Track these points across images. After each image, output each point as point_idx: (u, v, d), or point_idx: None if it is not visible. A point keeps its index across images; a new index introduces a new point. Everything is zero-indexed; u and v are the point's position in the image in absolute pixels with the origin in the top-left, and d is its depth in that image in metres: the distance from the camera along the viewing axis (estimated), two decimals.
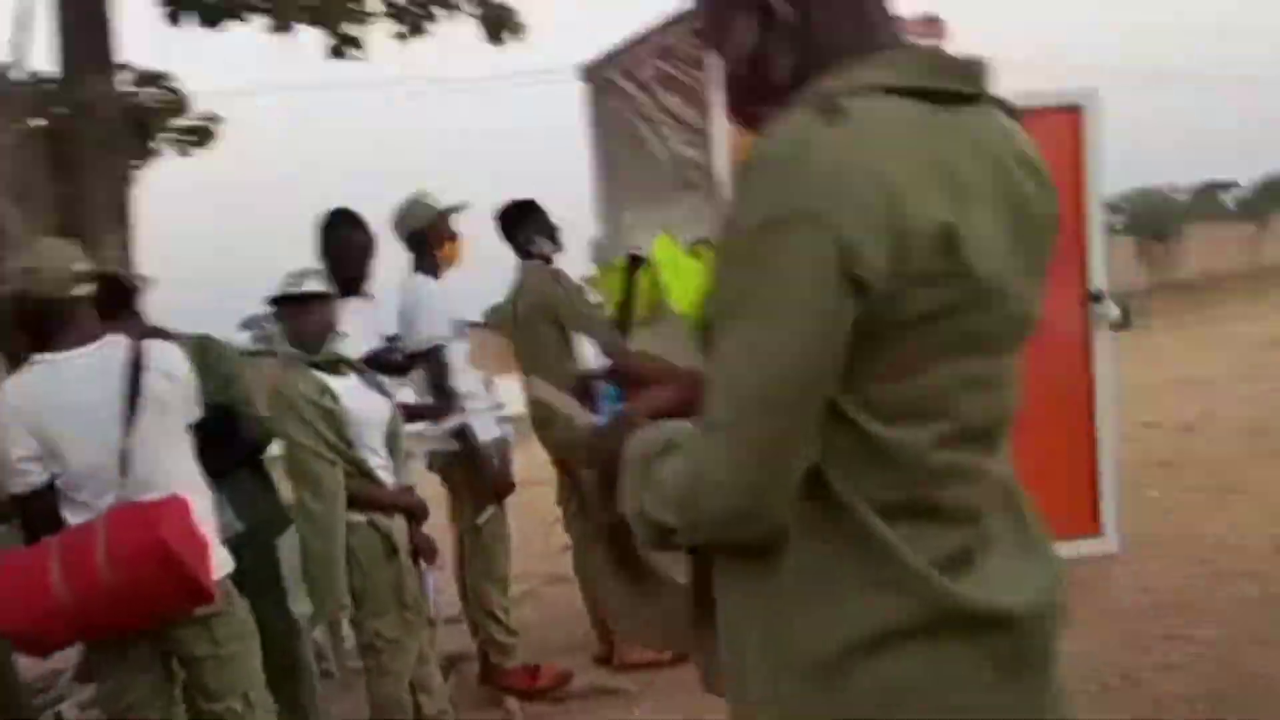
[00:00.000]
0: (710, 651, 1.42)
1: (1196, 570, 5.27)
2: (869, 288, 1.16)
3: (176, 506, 3.03)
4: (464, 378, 4.69)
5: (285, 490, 3.89)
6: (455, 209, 4.81)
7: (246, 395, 3.88)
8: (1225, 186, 57.80)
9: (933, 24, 5.19)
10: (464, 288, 5.21)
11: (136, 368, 3.08)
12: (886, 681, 1.23)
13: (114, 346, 3.11)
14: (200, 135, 8.21)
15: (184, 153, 8.61)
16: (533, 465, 5.88)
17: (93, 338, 3.10)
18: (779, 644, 1.27)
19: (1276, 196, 45.79)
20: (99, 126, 6.05)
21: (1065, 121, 5.52)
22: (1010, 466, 1.38)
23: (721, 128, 4.65)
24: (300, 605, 3.87)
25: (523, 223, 5.06)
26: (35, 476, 3.02)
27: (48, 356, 3.06)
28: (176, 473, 3.14)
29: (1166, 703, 3.89)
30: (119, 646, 3.09)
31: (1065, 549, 4.78)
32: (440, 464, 4.81)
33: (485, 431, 4.72)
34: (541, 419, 4.69)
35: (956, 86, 1.28)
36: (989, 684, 1.26)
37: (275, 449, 3.85)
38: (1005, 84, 1.42)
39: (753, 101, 1.37)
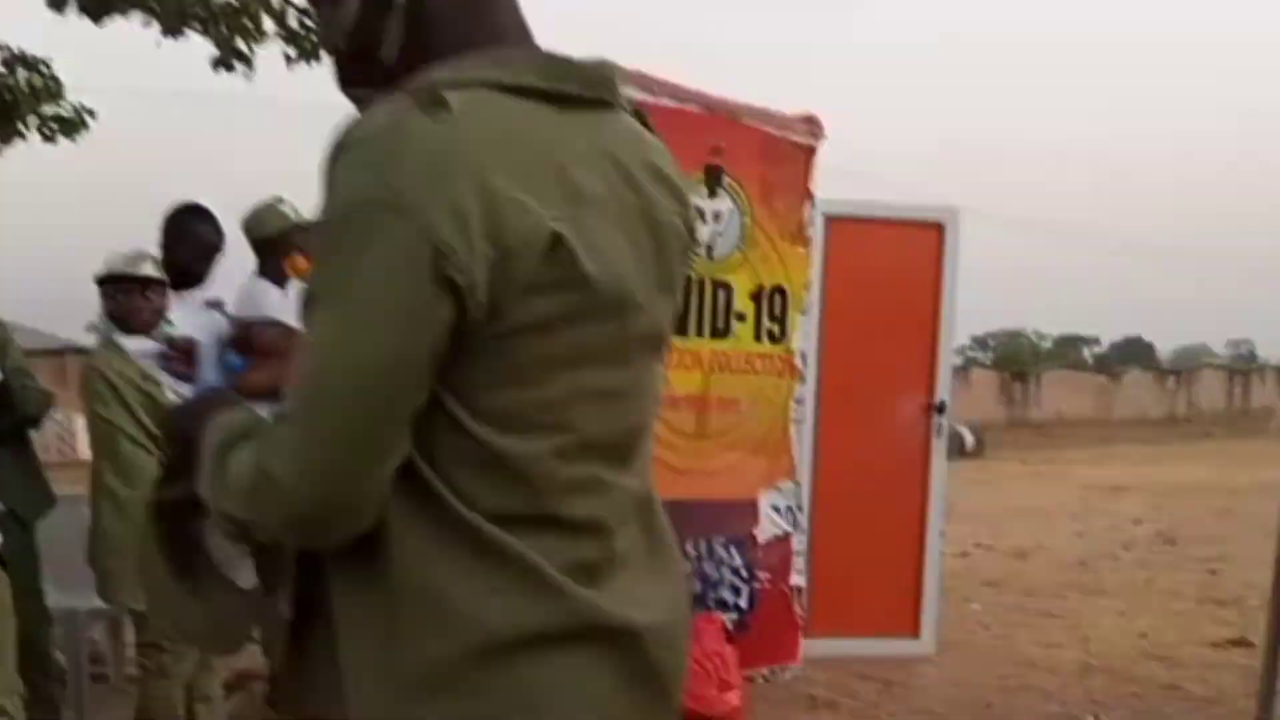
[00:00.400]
0: (292, 661, 1.30)
1: (1004, 682, 5.41)
2: (466, 293, 1.10)
3: None
4: None
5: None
6: (310, 223, 4.76)
7: (19, 366, 3.83)
8: (1086, 341, 60.68)
9: (810, 122, 5.37)
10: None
11: None
12: (509, 690, 1.17)
13: None
14: (69, 126, 8.00)
15: (50, 140, 8.39)
16: None
17: None
18: (394, 653, 1.18)
19: (1130, 356, 48.15)
20: None
21: (926, 236, 5.75)
22: (648, 482, 1.34)
23: None
24: (66, 597, 3.76)
25: None
26: None
27: None
28: None
29: None
30: None
31: (883, 645, 4.89)
32: None
33: None
34: None
35: (578, 90, 1.23)
36: (613, 697, 1.22)
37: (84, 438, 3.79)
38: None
39: (357, 81, 1.29)
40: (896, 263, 5.78)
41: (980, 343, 61.27)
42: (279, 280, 4.66)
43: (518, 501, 1.18)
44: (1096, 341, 66.77)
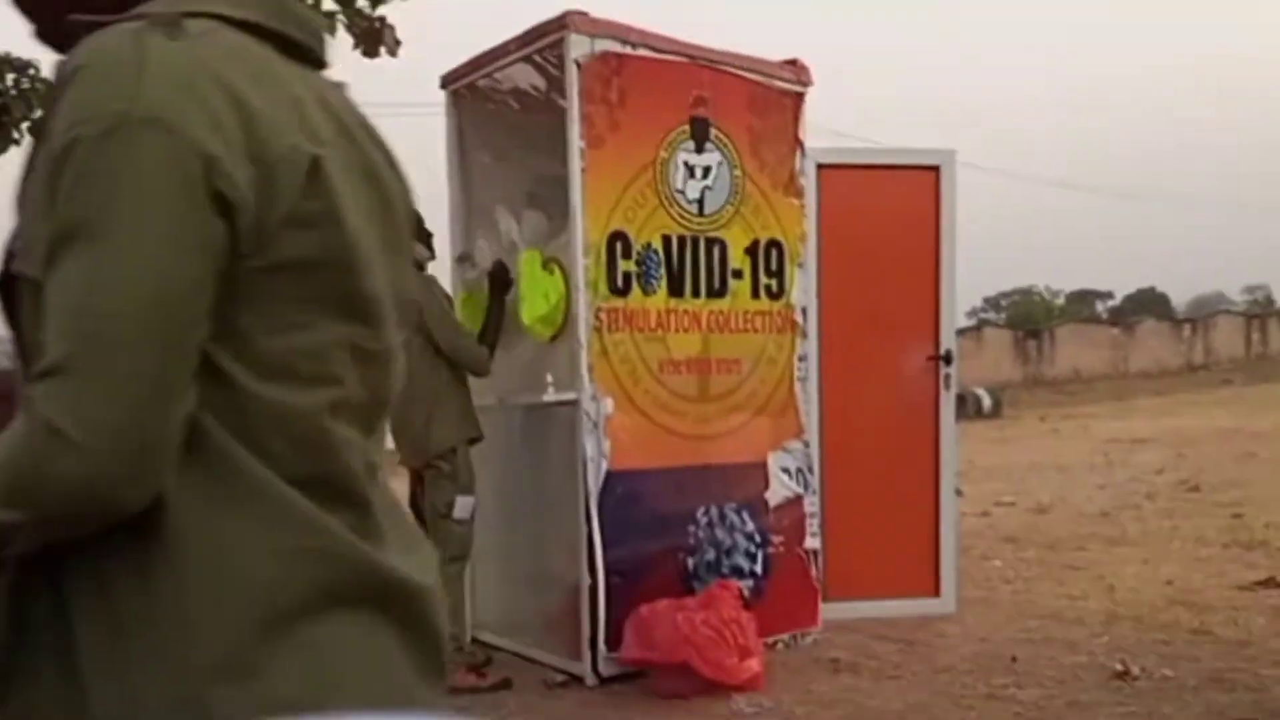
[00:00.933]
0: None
1: (1028, 635, 5.28)
2: (237, 212, 1.01)
3: None
4: None
5: None
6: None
7: None
8: (1099, 295, 60.33)
9: (796, 68, 5.21)
10: None
11: None
12: (310, 656, 1.07)
13: None
14: None
15: None
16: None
17: None
18: (185, 638, 1.03)
19: (1144, 307, 47.83)
20: None
21: (922, 180, 5.59)
22: (381, 458, 1.26)
23: (577, 145, 4.57)
24: None
25: None
26: None
27: None
28: None
29: None
30: None
31: (904, 606, 4.77)
32: None
33: None
34: (397, 428, 4.79)
35: (298, 34, 1.17)
36: (404, 661, 1.16)
37: None
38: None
39: (62, 21, 1.15)
40: (893, 210, 5.63)
41: (992, 303, 61.01)
42: None
43: (290, 459, 1.07)
44: (1110, 296, 66.35)
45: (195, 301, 1.01)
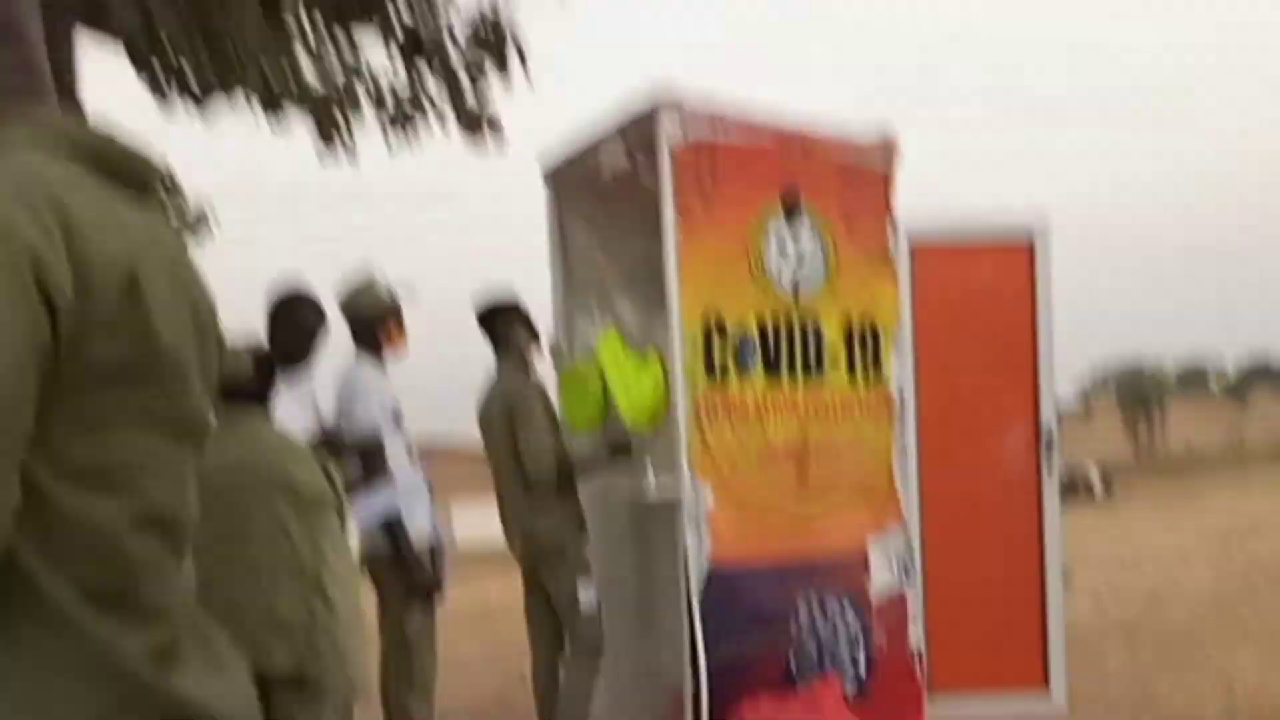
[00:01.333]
0: None
1: None
2: (61, 314, 1.03)
3: None
4: (402, 472, 4.54)
5: None
6: (406, 298, 4.78)
7: None
8: (1210, 368, 58.53)
9: (887, 148, 5.13)
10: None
11: None
12: None
13: None
14: (192, 228, 8.19)
15: None
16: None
17: None
18: None
19: (1258, 379, 46.21)
20: None
21: (1016, 254, 5.46)
22: (193, 579, 1.25)
23: (673, 228, 4.55)
24: None
25: (504, 319, 5.00)
26: None
27: None
28: None
29: None
30: None
31: (1014, 703, 4.54)
32: (370, 563, 4.64)
33: (419, 529, 4.58)
34: (505, 521, 4.85)
35: (118, 166, 1.20)
36: None
37: None
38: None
39: None
40: (988, 287, 5.50)
41: (1100, 377, 59.68)
42: (378, 360, 4.70)
43: (90, 572, 1.08)
44: (1221, 369, 64.39)
45: (26, 397, 1.02)
